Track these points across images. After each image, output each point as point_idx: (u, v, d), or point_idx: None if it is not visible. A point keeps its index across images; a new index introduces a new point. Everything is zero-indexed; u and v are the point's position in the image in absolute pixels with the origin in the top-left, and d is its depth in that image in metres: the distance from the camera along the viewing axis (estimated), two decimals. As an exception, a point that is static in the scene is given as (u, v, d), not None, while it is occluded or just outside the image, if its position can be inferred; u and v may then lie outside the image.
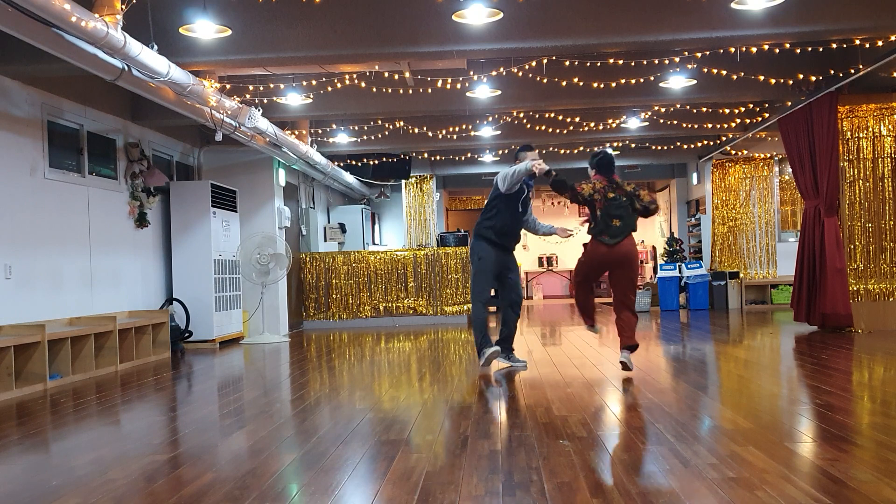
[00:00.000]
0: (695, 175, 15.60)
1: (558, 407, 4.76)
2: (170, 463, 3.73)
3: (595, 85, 8.37)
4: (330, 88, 8.55)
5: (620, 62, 8.15)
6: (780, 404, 4.89)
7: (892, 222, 8.75)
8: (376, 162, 13.59)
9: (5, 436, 4.57)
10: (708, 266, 14.12)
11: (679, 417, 4.32)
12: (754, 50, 7.65)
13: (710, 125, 11.03)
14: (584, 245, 6.31)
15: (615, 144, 13.67)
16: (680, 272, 13.54)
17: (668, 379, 5.94)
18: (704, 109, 10.66)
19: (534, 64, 7.91)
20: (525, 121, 11.03)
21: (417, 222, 15.91)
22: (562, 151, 13.83)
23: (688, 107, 10.57)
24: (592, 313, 6.41)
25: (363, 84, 8.36)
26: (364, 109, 9.32)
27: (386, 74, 8.23)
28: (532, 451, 3.63)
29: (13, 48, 6.08)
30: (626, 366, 5.99)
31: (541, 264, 20.30)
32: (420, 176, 15.54)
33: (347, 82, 8.28)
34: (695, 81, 8.65)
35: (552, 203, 20.13)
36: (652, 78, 8.52)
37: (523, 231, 6.81)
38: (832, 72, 8.32)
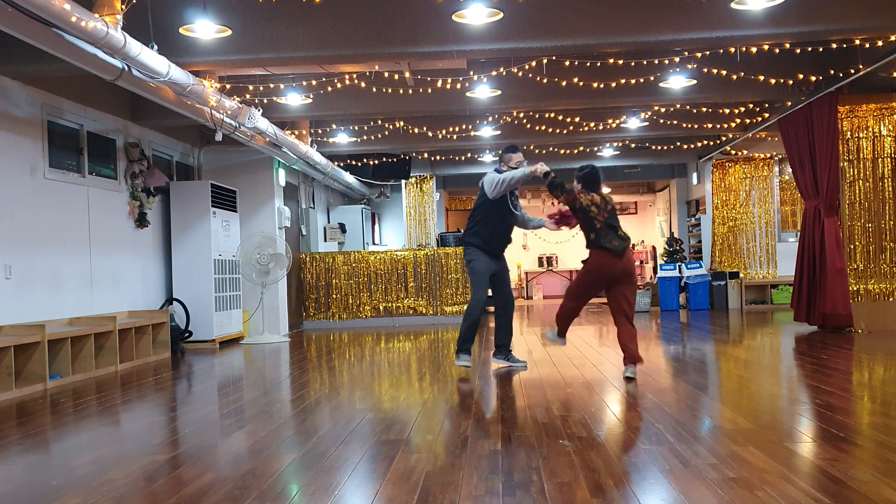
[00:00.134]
0: (695, 175, 15.60)
1: (558, 407, 4.76)
2: (170, 463, 3.73)
3: (595, 85, 8.37)
4: (330, 88, 8.55)
5: (620, 62, 8.15)
6: (780, 404, 4.89)
7: (892, 222, 8.75)
8: (376, 162, 13.59)
9: (5, 436, 4.57)
10: (708, 266, 14.12)
11: (679, 417, 4.32)
12: (754, 50, 7.65)
13: (710, 125, 11.03)
14: (586, 260, 6.03)
15: (615, 144, 13.67)
16: (680, 272, 13.54)
17: (668, 379, 5.94)
18: (704, 109, 10.66)
19: (534, 64, 7.91)
20: (525, 121, 11.03)
21: (417, 222, 15.91)
22: (562, 151, 13.83)
23: (688, 107, 10.57)
24: (569, 325, 6.30)
25: (363, 84, 8.36)
26: (364, 109, 9.32)
27: (386, 74, 8.23)
28: (532, 451, 3.63)
29: (13, 48, 6.08)
30: (631, 380, 5.86)
31: (541, 264, 20.30)
32: (420, 176, 15.54)
33: (347, 82, 8.28)
34: (695, 81, 8.65)
35: (552, 203, 20.13)
36: (652, 78, 8.52)
37: (524, 231, 6.80)
38: (832, 72, 8.32)
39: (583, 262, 6.08)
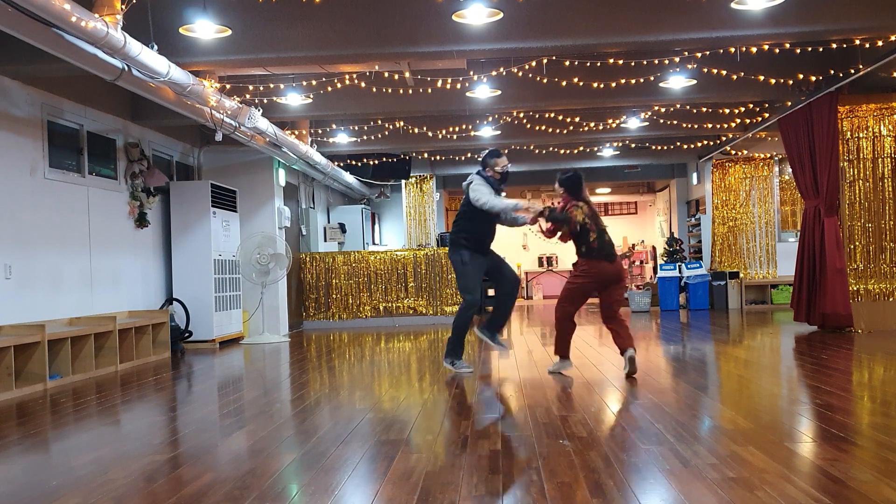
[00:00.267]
0: (695, 175, 15.60)
1: (558, 407, 4.76)
2: (170, 463, 3.73)
3: (595, 85, 8.37)
4: (330, 88, 8.55)
5: (620, 62, 8.15)
6: (780, 404, 4.89)
7: (892, 222, 8.75)
8: (376, 162, 13.59)
9: (5, 436, 4.57)
10: (708, 266, 14.11)
11: (679, 417, 4.32)
12: (754, 50, 7.65)
13: (710, 125, 11.03)
14: (578, 266, 6.04)
15: (615, 144, 13.67)
16: (680, 272, 13.53)
17: (668, 379, 5.94)
18: (704, 109, 10.65)
19: (534, 64, 7.91)
20: (525, 121, 11.03)
21: (417, 222, 15.90)
22: (562, 151, 13.83)
23: (688, 107, 10.56)
24: (569, 344, 6.25)
25: (363, 84, 8.36)
26: (364, 109, 9.32)
27: (386, 74, 8.23)
28: (532, 451, 3.63)
29: (13, 48, 6.08)
30: (633, 364, 5.90)
31: (541, 264, 20.30)
32: (420, 176, 15.54)
33: (347, 82, 8.28)
34: (695, 81, 8.65)
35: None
36: (652, 78, 8.52)
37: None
38: (832, 72, 8.31)
39: (574, 266, 6.11)
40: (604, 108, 10.71)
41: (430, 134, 10.98)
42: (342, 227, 14.29)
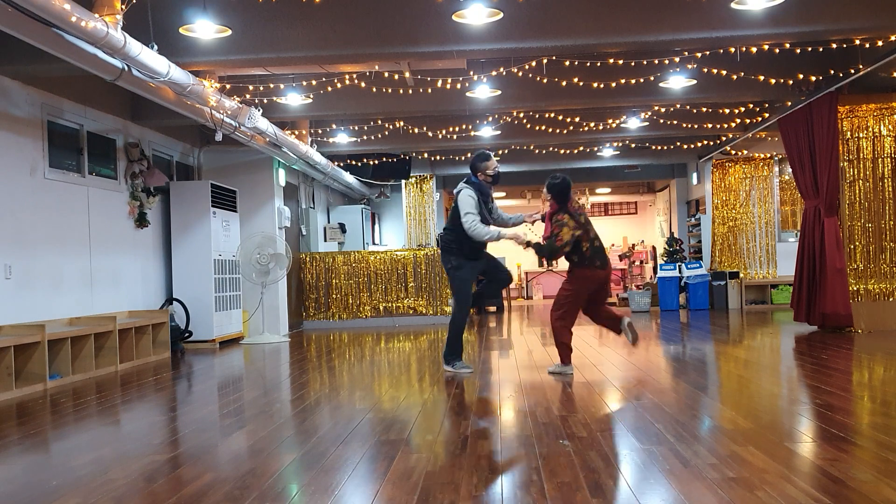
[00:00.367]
0: (695, 175, 15.60)
1: (558, 407, 4.76)
2: (170, 463, 3.73)
3: (595, 85, 8.37)
4: (330, 88, 8.55)
5: (620, 62, 8.15)
6: (780, 404, 4.89)
7: (892, 222, 8.75)
8: (376, 162, 13.59)
9: (5, 436, 4.57)
10: (708, 266, 14.11)
11: (679, 417, 4.32)
12: (754, 50, 7.65)
13: (710, 125, 11.03)
14: (571, 273, 6.09)
15: (615, 144, 13.67)
16: (680, 272, 13.53)
17: (668, 379, 5.94)
18: (704, 109, 10.65)
19: (534, 64, 7.91)
20: (525, 121, 11.03)
21: (417, 222, 15.90)
22: (562, 151, 13.83)
23: (688, 107, 10.56)
24: (570, 348, 6.25)
25: (363, 84, 8.36)
26: (364, 109, 9.32)
27: (386, 74, 8.23)
28: (532, 451, 3.63)
29: (13, 48, 6.08)
30: (633, 329, 6.06)
31: (541, 264, 20.26)
32: (420, 176, 15.54)
33: (347, 82, 8.28)
34: (695, 81, 8.65)
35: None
36: (652, 78, 8.52)
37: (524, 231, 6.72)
38: (832, 72, 8.31)
39: (568, 272, 6.17)
40: (604, 108, 10.71)
41: (430, 134, 10.98)
42: (342, 227, 14.29)
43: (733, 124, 10.99)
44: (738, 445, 3.61)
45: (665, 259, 14.46)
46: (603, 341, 8.60)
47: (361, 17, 6.48)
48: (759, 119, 10.66)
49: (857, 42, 7.46)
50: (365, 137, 11.47)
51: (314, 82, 8.46)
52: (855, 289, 8.71)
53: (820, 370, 6.02)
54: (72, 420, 5.12)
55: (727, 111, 10.61)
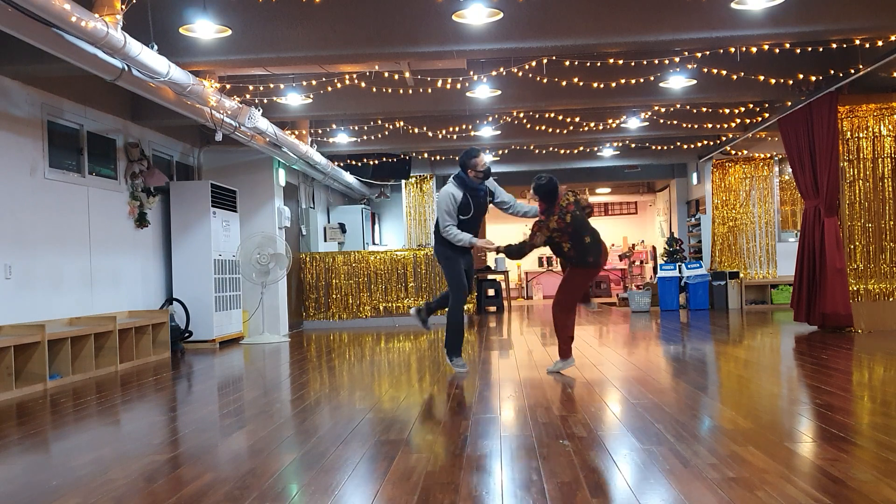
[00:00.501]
0: (695, 175, 15.60)
1: (558, 407, 4.76)
2: (170, 463, 3.73)
3: (595, 85, 8.37)
4: (330, 88, 8.55)
5: (620, 62, 8.15)
6: (780, 404, 4.89)
7: (892, 222, 8.75)
8: (376, 162, 13.59)
9: (5, 436, 4.57)
10: (708, 266, 14.11)
11: (679, 417, 4.32)
12: (754, 50, 7.65)
13: (710, 125, 11.03)
14: (568, 270, 6.21)
15: (615, 144, 13.67)
16: (680, 272, 13.53)
17: (668, 379, 5.94)
18: (704, 109, 10.65)
19: (534, 64, 7.91)
20: (525, 121, 11.03)
21: (417, 222, 15.90)
22: (562, 151, 13.83)
23: (688, 107, 10.56)
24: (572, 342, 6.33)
25: (363, 84, 8.36)
26: (364, 109, 9.32)
27: (386, 74, 8.23)
28: (532, 451, 3.63)
29: (13, 48, 6.08)
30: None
31: (541, 264, 20.30)
32: (420, 176, 15.54)
33: (347, 82, 8.28)
34: (695, 81, 8.65)
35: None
36: (652, 78, 8.52)
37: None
38: (832, 72, 8.31)
39: (565, 269, 6.29)
40: (604, 108, 10.71)
41: (430, 134, 10.98)
42: (342, 227, 14.29)
43: (733, 124, 10.99)
44: (738, 445, 3.61)
45: (665, 259, 14.46)
46: (603, 341, 8.60)
47: (361, 17, 6.48)
48: (759, 119, 10.66)
49: (857, 42, 7.46)
50: (365, 137, 11.47)
51: (314, 82, 8.46)
52: (855, 289, 8.71)
53: (820, 370, 6.02)
54: (72, 420, 5.12)
55: (727, 111, 10.61)
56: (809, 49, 7.66)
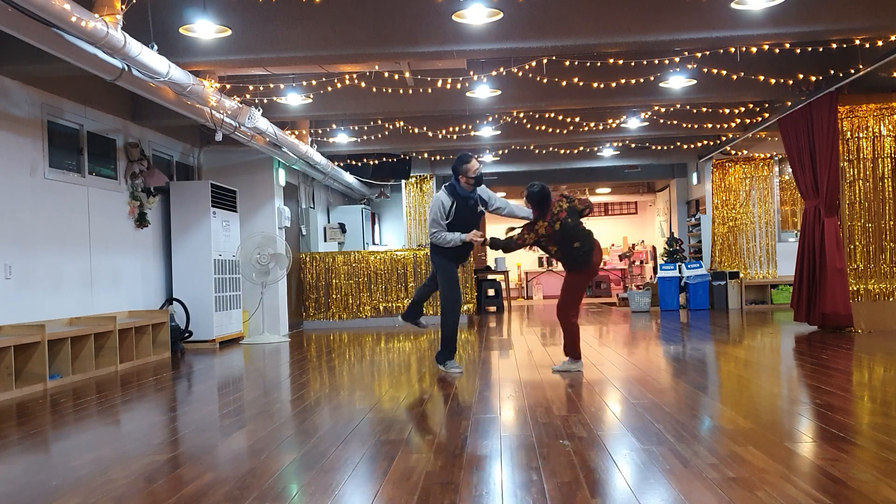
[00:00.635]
0: (695, 175, 15.60)
1: (558, 407, 4.76)
2: (170, 463, 3.73)
3: (595, 85, 8.37)
4: (330, 88, 8.55)
5: (620, 62, 8.15)
6: (780, 404, 4.89)
7: (892, 222, 8.75)
8: (376, 162, 13.59)
9: (5, 436, 4.57)
10: (708, 266, 14.11)
11: (679, 417, 4.32)
12: (754, 50, 7.65)
13: (710, 125, 11.03)
14: (566, 273, 6.32)
15: (615, 144, 13.67)
16: (680, 272, 13.53)
17: (668, 379, 5.94)
18: (704, 109, 10.65)
19: (534, 64, 7.91)
20: (525, 121, 11.03)
21: (417, 222, 15.90)
22: (562, 151, 13.83)
23: (688, 107, 10.56)
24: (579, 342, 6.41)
25: (363, 84, 8.36)
26: (364, 109, 9.32)
27: (386, 74, 8.23)
28: (532, 451, 3.63)
29: (13, 48, 6.08)
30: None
31: (541, 264, 20.31)
32: (420, 176, 15.54)
33: (347, 82, 8.28)
34: (695, 81, 8.65)
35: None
36: (652, 78, 8.52)
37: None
38: (832, 72, 8.31)
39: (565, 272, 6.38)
40: (604, 108, 10.71)
41: (430, 134, 10.98)
42: (342, 227, 14.29)
43: (733, 124, 11.00)
44: (738, 445, 3.61)
45: (665, 259, 14.46)
46: (603, 341, 8.60)
47: (361, 17, 6.48)
48: (759, 119, 10.66)
49: (857, 42, 7.46)
50: (365, 137, 11.47)
51: (314, 82, 8.46)
52: (855, 289, 8.71)
53: (820, 370, 6.02)
54: (72, 420, 5.12)
55: (727, 111, 10.61)
56: (809, 49, 7.66)
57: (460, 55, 6.83)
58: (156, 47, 6.02)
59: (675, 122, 11.00)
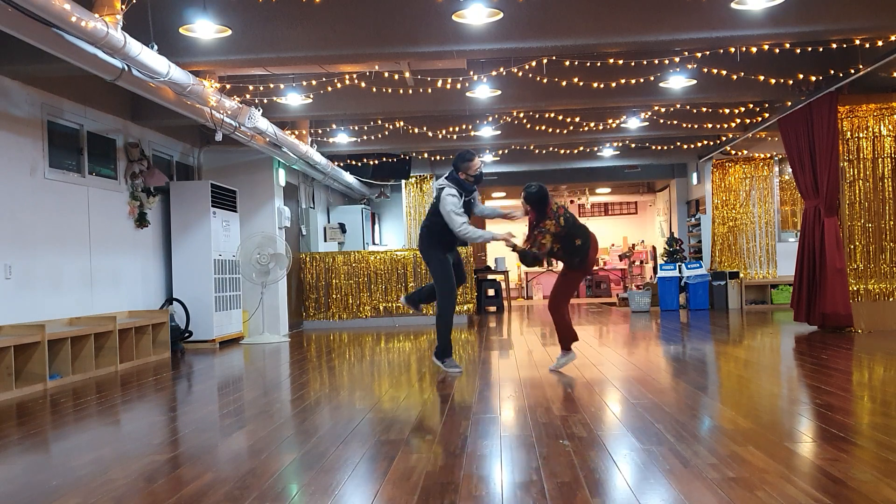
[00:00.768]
0: (695, 175, 15.60)
1: (558, 407, 4.76)
2: (170, 463, 3.73)
3: (595, 85, 8.37)
4: (330, 88, 8.55)
5: (620, 62, 8.15)
6: (780, 404, 4.89)
7: (892, 222, 8.75)
8: (376, 162, 13.59)
9: (5, 436, 4.57)
10: (708, 266, 14.11)
11: (679, 417, 4.32)
12: (754, 50, 7.65)
13: (710, 125, 11.03)
14: (563, 270, 6.42)
15: (615, 144, 13.68)
16: (680, 272, 13.53)
17: (668, 379, 5.94)
18: (704, 109, 10.65)
19: (534, 64, 7.91)
20: (525, 121, 11.03)
21: (417, 222, 15.88)
22: (562, 151, 13.83)
23: (688, 107, 10.57)
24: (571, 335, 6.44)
25: (363, 84, 8.36)
26: (364, 109, 9.32)
27: (386, 74, 8.23)
28: (532, 451, 3.63)
29: (13, 48, 6.08)
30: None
31: (540, 264, 20.28)
32: (420, 176, 15.54)
33: (347, 82, 8.28)
34: (695, 81, 8.65)
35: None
36: (652, 78, 8.52)
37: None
38: (832, 72, 8.31)
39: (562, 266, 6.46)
40: (604, 108, 10.71)
41: (430, 134, 10.98)
42: (342, 227, 14.29)
43: (733, 124, 11.00)
44: (738, 445, 3.61)
45: (665, 259, 14.46)
46: (603, 341, 8.60)
47: (361, 17, 6.48)
48: (759, 119, 10.66)
49: (857, 42, 7.46)
50: (365, 137, 11.47)
51: (314, 82, 8.46)
52: (855, 289, 8.71)
53: (820, 370, 6.02)
54: (72, 420, 5.12)
55: (727, 111, 10.62)
56: (809, 49, 7.66)
57: (460, 55, 6.83)
58: (156, 47, 6.02)
59: (675, 122, 11.00)
